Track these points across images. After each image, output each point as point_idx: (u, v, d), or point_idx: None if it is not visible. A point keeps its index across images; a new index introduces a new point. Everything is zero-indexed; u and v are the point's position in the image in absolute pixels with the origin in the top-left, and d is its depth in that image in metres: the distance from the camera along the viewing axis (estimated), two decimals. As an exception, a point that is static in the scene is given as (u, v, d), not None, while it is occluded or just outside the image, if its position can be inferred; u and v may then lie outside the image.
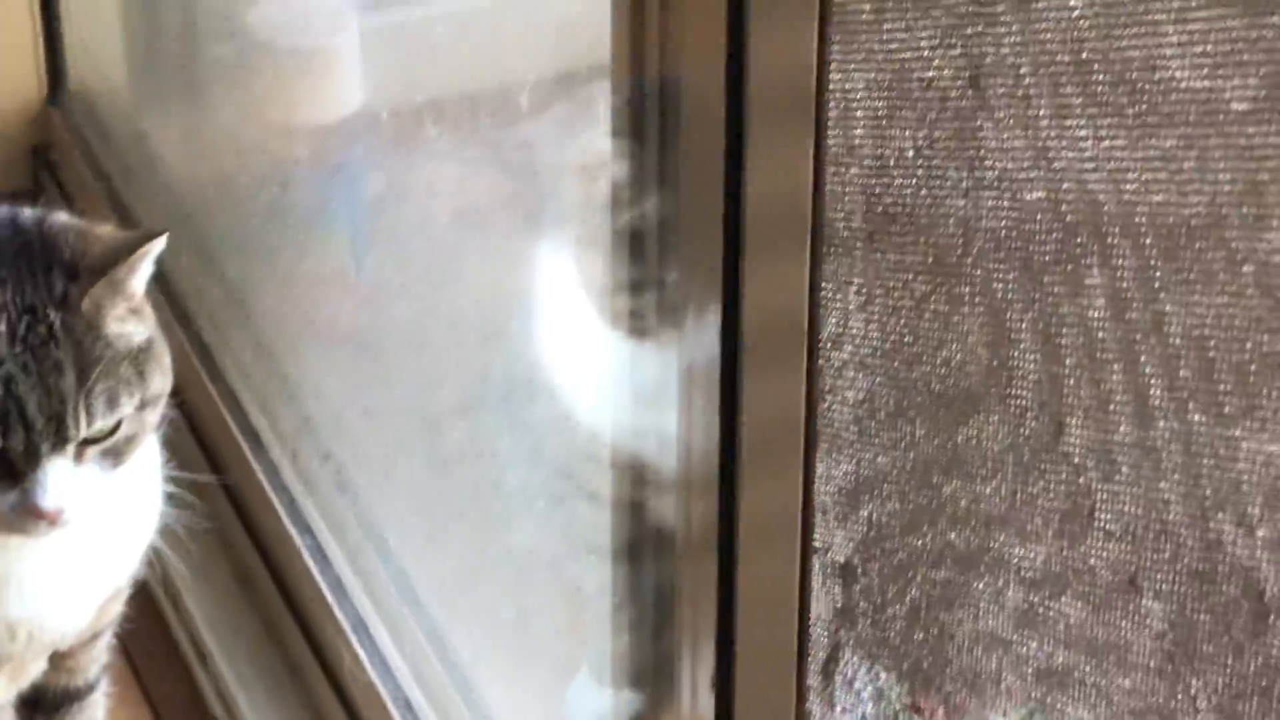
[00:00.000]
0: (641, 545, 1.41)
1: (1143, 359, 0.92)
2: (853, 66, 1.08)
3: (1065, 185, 0.95)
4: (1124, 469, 0.95)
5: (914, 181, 1.05)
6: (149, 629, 1.88)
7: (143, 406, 1.41)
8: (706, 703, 1.17)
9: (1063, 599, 1.02)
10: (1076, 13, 0.93)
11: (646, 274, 1.31)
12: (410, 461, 1.83)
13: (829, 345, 1.13)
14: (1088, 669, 1.02)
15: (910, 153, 1.05)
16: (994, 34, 0.98)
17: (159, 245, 1.41)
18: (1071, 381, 0.97)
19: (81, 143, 2.46)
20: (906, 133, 1.05)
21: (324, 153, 2.09)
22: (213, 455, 2.01)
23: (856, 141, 1.08)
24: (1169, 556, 0.93)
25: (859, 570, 1.15)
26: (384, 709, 1.67)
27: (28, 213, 1.45)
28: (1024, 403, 1.00)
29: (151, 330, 1.44)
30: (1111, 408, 0.94)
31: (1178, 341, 0.91)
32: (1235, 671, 0.92)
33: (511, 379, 1.72)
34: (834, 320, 1.12)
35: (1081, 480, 0.97)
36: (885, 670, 1.15)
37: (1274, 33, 0.84)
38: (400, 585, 1.76)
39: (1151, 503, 0.93)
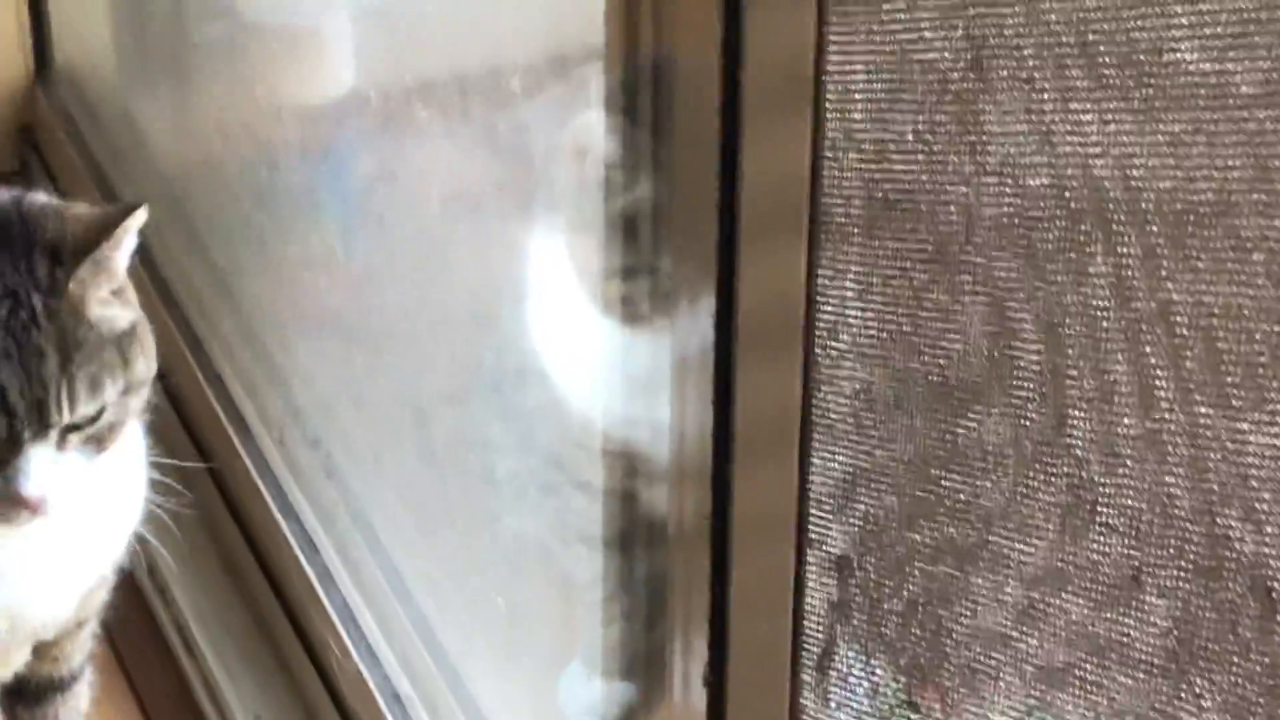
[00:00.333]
0: (634, 535, 1.39)
1: (1148, 349, 0.90)
2: (852, 49, 1.05)
3: (1069, 171, 0.92)
4: (1128, 462, 0.93)
5: (914, 167, 1.03)
6: (135, 618, 1.86)
7: (126, 392, 1.38)
8: (699, 696, 1.15)
9: (1063, 595, 0.99)
10: (1082, -7, 0.91)
11: (640, 260, 1.29)
12: (400, 450, 1.81)
13: (826, 335, 1.10)
14: (1089, 667, 1.00)
15: (910, 137, 1.03)
16: (996, 15, 0.96)
17: (140, 218, 1.39)
18: (1074, 373, 0.94)
19: (68, 123, 2.43)
20: (906, 117, 1.03)
21: (313, 135, 2.07)
22: (200, 442, 1.99)
23: (855, 126, 1.06)
24: (1173, 552, 0.91)
25: (855, 564, 1.13)
26: (372, 699, 1.65)
27: (4, 194, 1.42)
28: (1026, 395, 0.98)
29: (135, 314, 1.42)
30: (1115, 399, 0.92)
31: (1184, 332, 0.88)
32: (1242, 671, 0.89)
33: (503, 366, 1.69)
34: (831, 309, 1.10)
35: (1084, 474, 0.95)
36: (881, 665, 1.13)
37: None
38: (389, 575, 1.74)
39: (1156, 497, 0.91)
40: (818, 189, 1.07)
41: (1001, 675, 1.05)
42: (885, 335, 1.07)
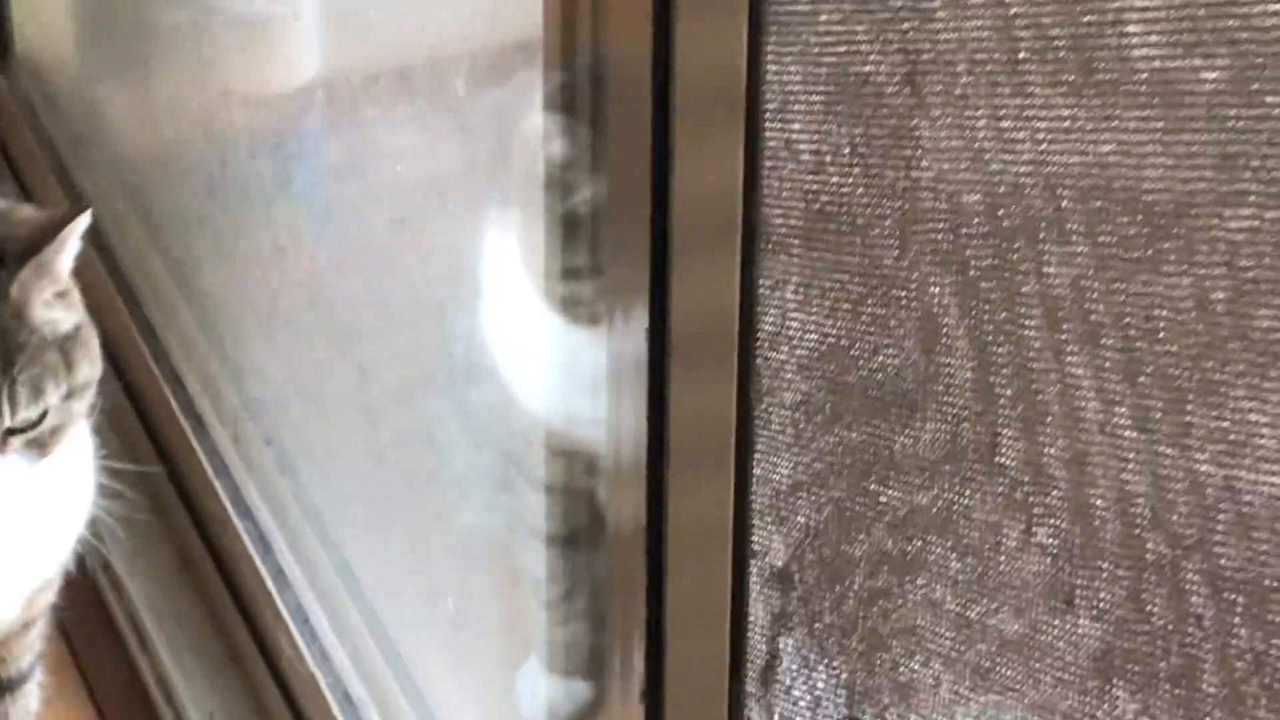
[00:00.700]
0: (585, 533, 1.38)
1: (1077, 372, 0.89)
2: (789, 60, 1.04)
3: (1001, 189, 0.91)
4: (1061, 484, 0.92)
5: (851, 180, 1.02)
6: (90, 615, 1.85)
7: (70, 396, 1.37)
8: (637, 710, 1.14)
9: (1000, 614, 0.99)
10: (1013, 10, 0.90)
11: (584, 260, 1.28)
12: (353, 446, 1.80)
13: (766, 345, 1.09)
14: (1025, 686, 0.99)
15: (847, 150, 1.02)
16: (929, 30, 0.95)
17: (84, 222, 1.38)
18: (1009, 392, 0.94)
19: (28, 111, 2.42)
20: (844, 129, 1.02)
21: (271, 125, 2.05)
22: (156, 438, 1.98)
23: (794, 136, 1.05)
24: (1106, 577, 0.90)
25: (796, 576, 1.12)
26: (323, 699, 1.64)
27: (-51, 197, 1.41)
28: (959, 412, 0.97)
29: (80, 317, 1.41)
30: (1046, 421, 0.91)
31: (1114, 356, 0.87)
32: (1174, 698, 0.89)
33: (457, 362, 1.68)
34: (771, 320, 1.09)
35: (1017, 494, 0.94)
36: (824, 678, 1.12)
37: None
38: (342, 572, 1.73)
39: (1086, 520, 0.90)
40: (755, 199, 1.06)
41: (939, 690, 1.05)
42: (825, 347, 1.06)
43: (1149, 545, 0.88)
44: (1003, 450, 0.95)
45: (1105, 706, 0.94)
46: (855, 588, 1.08)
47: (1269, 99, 0.80)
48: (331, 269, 1.88)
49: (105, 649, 1.88)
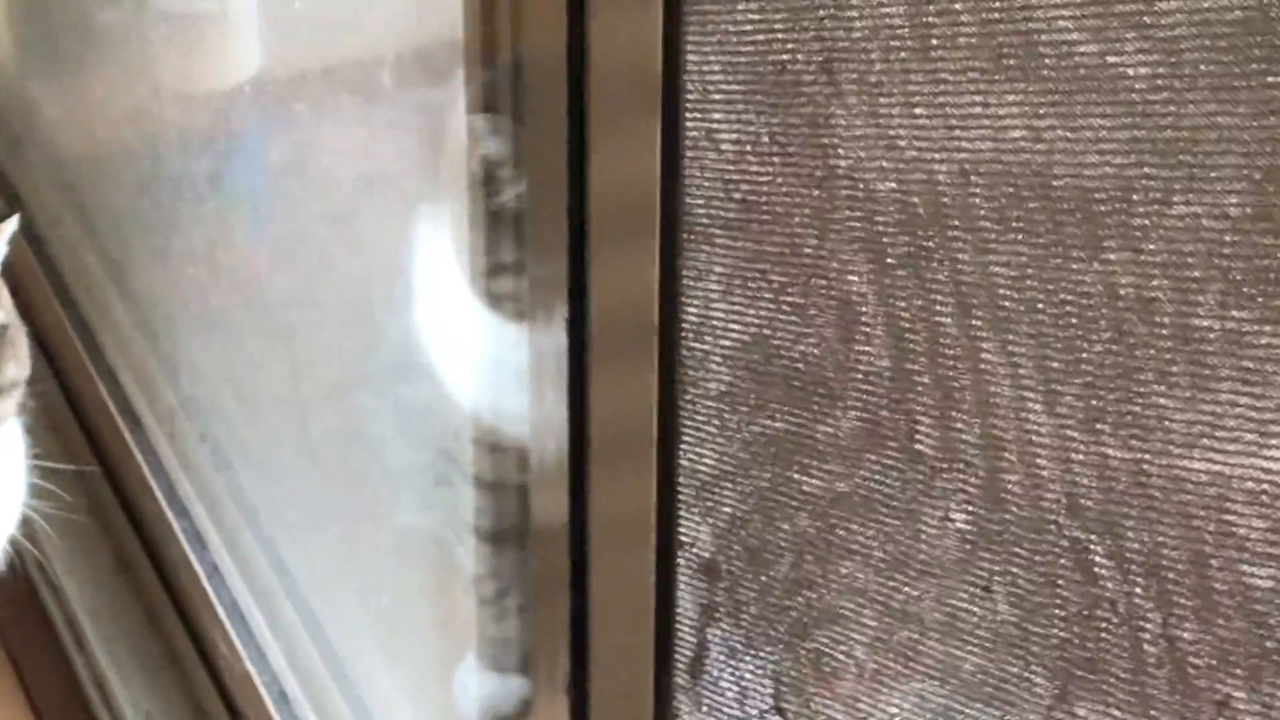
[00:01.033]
0: (517, 529, 1.38)
1: (992, 358, 0.89)
2: (709, 48, 1.04)
3: (915, 177, 0.91)
4: (978, 470, 0.92)
5: (770, 169, 1.02)
6: (26, 614, 1.84)
7: (-4, 395, 1.37)
8: (562, 704, 1.14)
9: (923, 601, 0.99)
10: (926, -2, 0.90)
11: (510, 256, 1.27)
12: (288, 443, 1.79)
13: (690, 336, 1.09)
14: (948, 671, 0.99)
15: (766, 139, 1.02)
16: (845, 18, 0.95)
17: (11, 227, 1.37)
18: (925, 379, 0.94)
19: (-36, 112, 2.40)
20: (763, 119, 1.02)
21: (208, 122, 2.05)
22: (92, 436, 1.97)
23: (715, 126, 1.05)
24: (1022, 562, 0.90)
25: (723, 567, 1.12)
26: (259, 698, 1.63)
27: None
28: (878, 399, 0.97)
29: (7, 317, 1.40)
30: (962, 407, 0.91)
31: (1027, 342, 0.88)
32: (1090, 682, 0.89)
33: (391, 359, 1.68)
34: (695, 310, 1.09)
35: (936, 481, 0.94)
36: (751, 669, 1.12)
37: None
38: (279, 572, 1.73)
39: (1002, 505, 0.91)
40: (676, 190, 1.06)
41: (864, 675, 1.05)
42: (748, 337, 1.06)
43: (1063, 530, 0.88)
44: (920, 437, 0.95)
45: (1025, 690, 0.94)
46: (780, 577, 1.08)
47: (1180, 85, 0.80)
48: (267, 266, 1.88)
49: (42, 649, 1.87)
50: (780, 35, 0.99)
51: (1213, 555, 0.82)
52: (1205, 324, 0.80)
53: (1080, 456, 0.86)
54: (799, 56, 0.98)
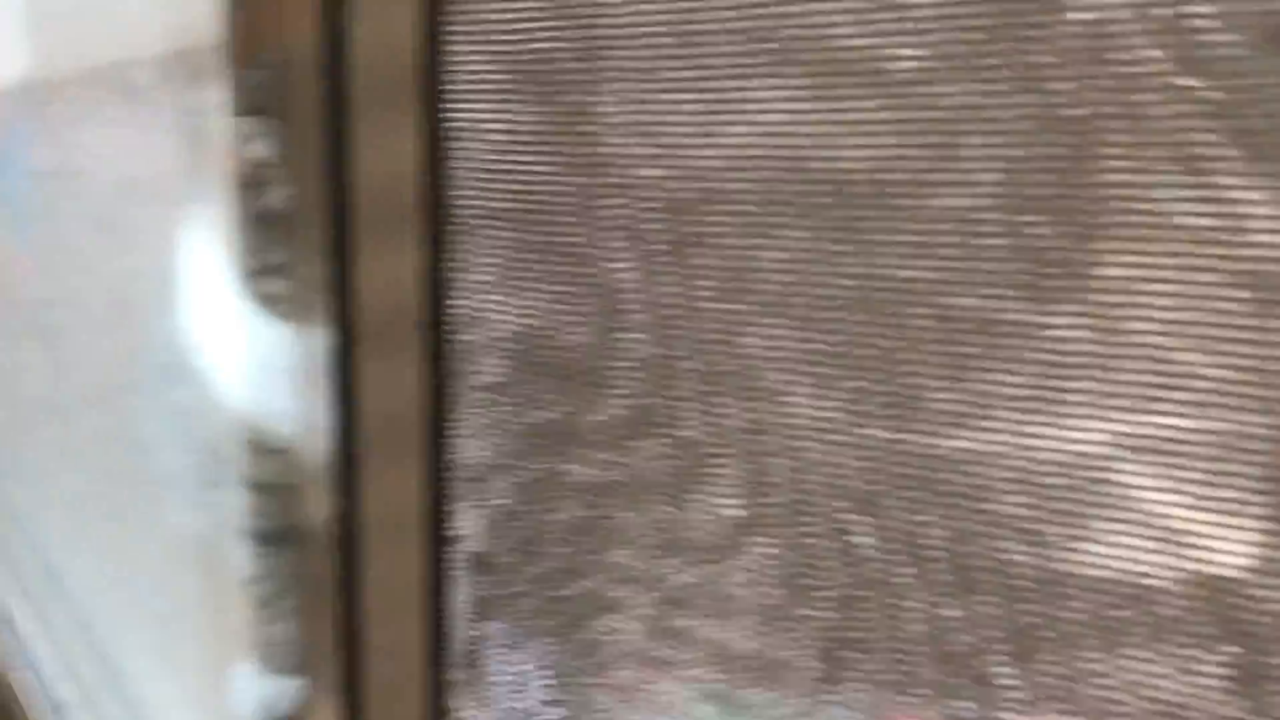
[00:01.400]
0: (290, 529, 1.37)
1: (755, 344, 0.90)
2: (472, 39, 1.04)
3: (677, 164, 0.92)
4: (747, 456, 0.93)
5: (536, 158, 1.02)
6: None
7: None
8: (336, 703, 1.13)
9: (697, 588, 0.99)
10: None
11: (277, 256, 1.26)
12: (57, 447, 1.76)
13: (460, 329, 1.09)
14: (725, 656, 0.99)
15: (532, 129, 1.01)
16: (607, 5, 0.95)
17: None
18: (691, 366, 0.94)
19: None
20: (528, 107, 1.01)
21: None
22: None
23: (481, 116, 1.05)
24: (789, 543, 0.91)
25: (497, 559, 1.11)
26: (30, 704, 1.60)
27: None
28: (645, 387, 0.97)
29: None
30: (727, 393, 0.92)
31: (791, 328, 0.88)
32: (859, 662, 0.90)
33: (162, 360, 1.65)
34: (465, 302, 1.08)
35: (705, 468, 0.95)
36: (528, 661, 1.12)
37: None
38: (49, 575, 1.69)
39: (771, 491, 0.91)
40: (441, 182, 1.05)
41: (641, 663, 1.05)
42: (518, 327, 1.06)
43: (828, 513, 0.89)
44: (687, 423, 0.95)
45: (800, 673, 0.95)
46: (554, 568, 1.07)
47: (936, 67, 0.81)
48: (34, 270, 1.84)
49: None
50: (543, 24, 0.99)
51: (975, 534, 0.83)
52: (963, 304, 0.81)
53: (844, 439, 0.87)
54: (562, 44, 0.98)
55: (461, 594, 1.14)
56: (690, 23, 0.90)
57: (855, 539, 0.87)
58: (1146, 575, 0.77)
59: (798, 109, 0.86)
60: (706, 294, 0.91)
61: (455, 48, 1.04)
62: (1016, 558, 0.82)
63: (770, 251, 0.88)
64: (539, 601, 1.09)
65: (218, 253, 1.46)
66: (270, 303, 1.33)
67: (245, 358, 1.42)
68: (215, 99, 1.43)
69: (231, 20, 1.14)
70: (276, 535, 1.40)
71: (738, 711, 0.98)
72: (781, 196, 0.87)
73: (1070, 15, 0.75)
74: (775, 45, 0.86)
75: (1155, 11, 0.72)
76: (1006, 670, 0.82)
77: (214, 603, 1.62)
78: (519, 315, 1.05)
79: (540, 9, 0.99)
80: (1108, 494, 0.78)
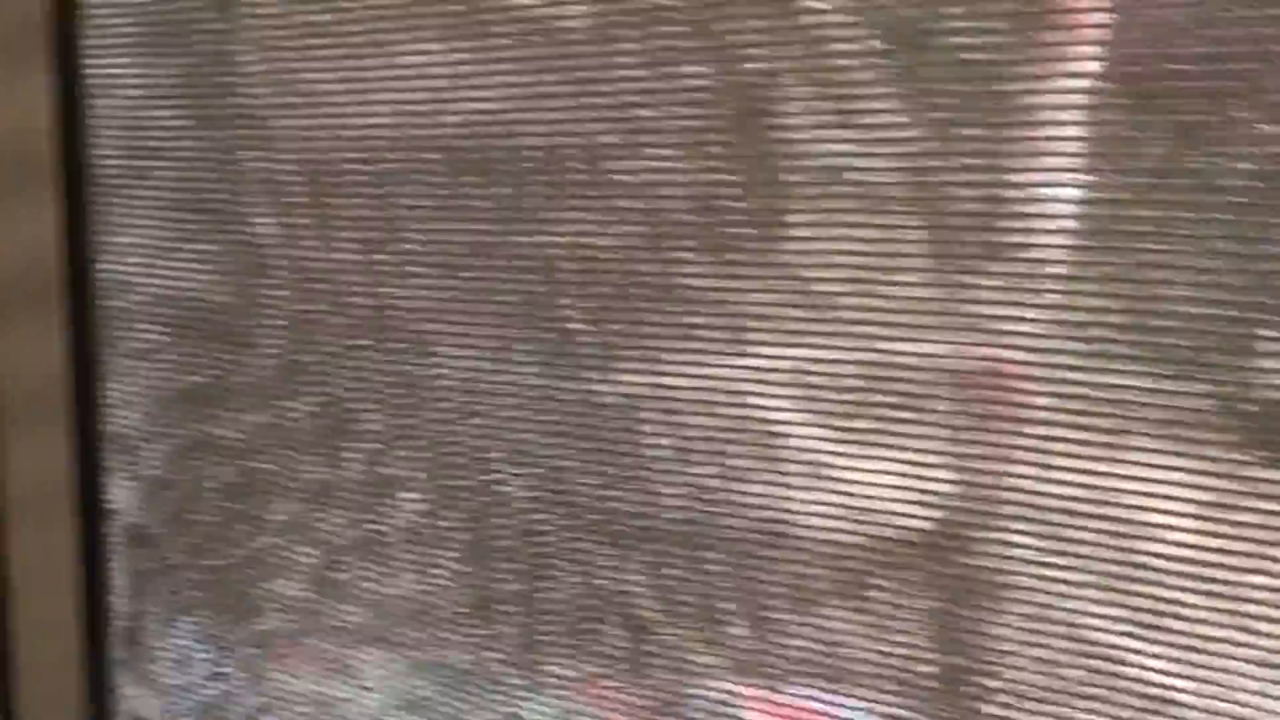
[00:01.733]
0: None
1: (398, 300, 0.88)
2: (106, -10, 1.00)
3: (315, 116, 0.89)
4: (391, 408, 0.91)
5: (175, 113, 0.98)
6: None
7: None
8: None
9: (344, 533, 0.97)
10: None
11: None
12: None
13: (107, 293, 1.05)
14: (389, 631, 0.97)
15: (170, 81, 0.98)
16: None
17: None
18: (332, 321, 0.92)
19: None
20: (169, 61, 0.98)
21: None
22: None
23: (119, 72, 1.01)
24: (444, 496, 0.89)
25: (153, 531, 1.08)
26: None
27: None
28: (289, 345, 0.94)
29: None
30: (376, 347, 0.90)
31: (433, 283, 0.86)
32: (516, 621, 0.88)
33: None
34: (111, 266, 1.04)
35: (353, 425, 0.92)
36: (189, 635, 1.09)
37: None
38: None
39: (420, 444, 0.89)
40: (77, 139, 1.01)
41: (304, 635, 1.02)
42: (167, 290, 1.02)
43: (478, 462, 0.87)
44: (333, 379, 0.93)
45: (458, 626, 0.93)
46: (210, 536, 1.04)
47: (625, 45, 0.79)
48: None
49: None
50: (177, -28, 0.96)
51: (625, 479, 0.82)
52: (600, 248, 0.80)
53: (486, 385, 0.85)
54: (195, -7, 0.95)
55: (118, 569, 1.10)
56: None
57: (505, 489, 0.86)
58: (791, 511, 0.77)
59: (440, 58, 0.84)
60: (349, 248, 0.89)
61: (91, 3, 1.00)
62: (665, 500, 0.81)
63: (411, 202, 0.86)
64: (197, 573, 1.06)
65: None
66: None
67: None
68: None
69: None
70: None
71: (410, 672, 0.96)
72: (422, 145, 0.85)
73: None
74: (439, 10, 0.84)
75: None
76: (656, 612, 0.81)
77: None
78: (167, 277, 1.02)
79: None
80: (749, 430, 0.77)
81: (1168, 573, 0.66)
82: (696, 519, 0.78)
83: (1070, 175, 0.66)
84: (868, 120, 0.71)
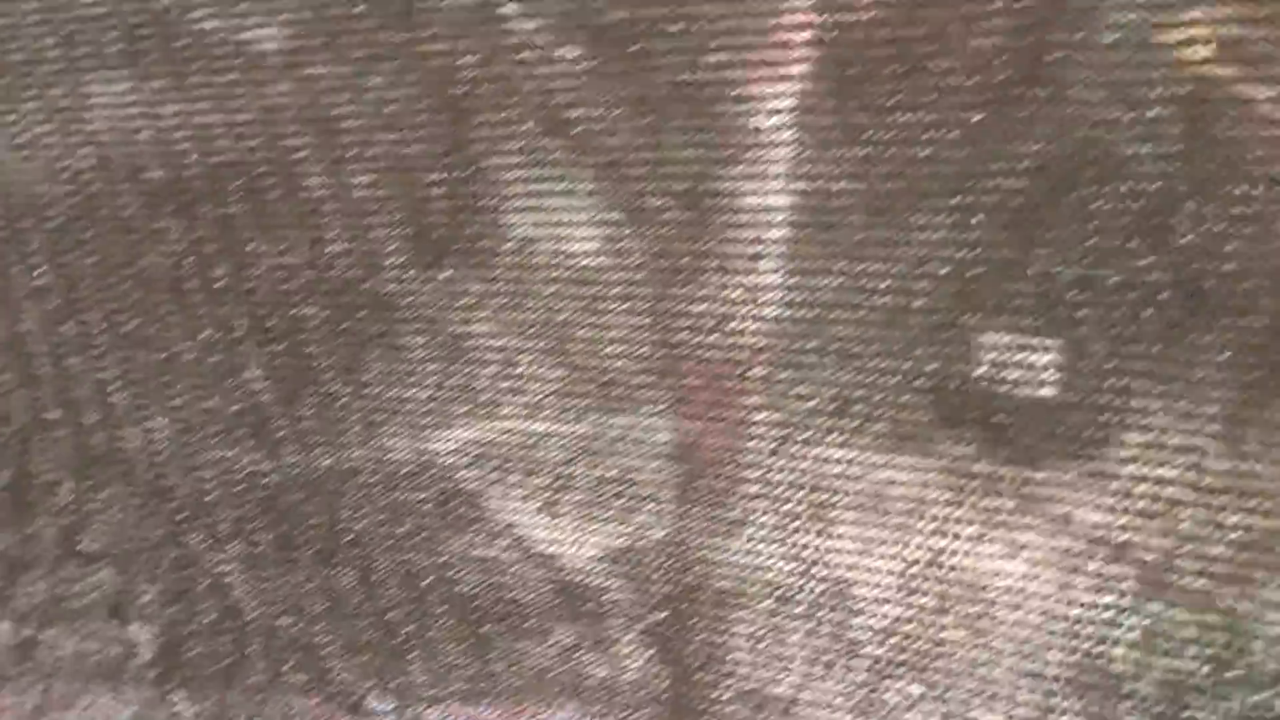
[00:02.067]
0: None
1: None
2: None
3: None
4: (80, 477, 0.89)
5: None
6: None
7: None
8: None
9: (43, 606, 0.95)
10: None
11: None
12: None
13: None
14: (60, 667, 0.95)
15: None
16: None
17: None
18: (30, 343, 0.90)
19: None
20: None
21: None
22: None
23: None
24: (128, 556, 0.88)
25: None
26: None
27: None
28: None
29: None
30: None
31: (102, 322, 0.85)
32: (201, 670, 0.87)
33: None
34: None
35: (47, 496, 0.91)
36: None
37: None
38: None
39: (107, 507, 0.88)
40: None
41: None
42: None
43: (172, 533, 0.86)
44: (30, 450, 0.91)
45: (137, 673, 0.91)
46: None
47: (322, 65, 0.79)
48: None
49: None
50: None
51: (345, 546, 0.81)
52: (308, 314, 0.79)
53: (178, 459, 0.84)
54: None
55: None
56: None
57: (196, 549, 0.84)
58: (503, 584, 0.76)
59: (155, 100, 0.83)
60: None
61: None
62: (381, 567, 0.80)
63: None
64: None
65: None
66: None
67: None
68: None
69: None
70: None
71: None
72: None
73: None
74: (144, 41, 0.83)
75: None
76: (371, 683, 0.80)
77: None
78: None
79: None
80: (458, 502, 0.77)
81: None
82: (413, 589, 0.77)
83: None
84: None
